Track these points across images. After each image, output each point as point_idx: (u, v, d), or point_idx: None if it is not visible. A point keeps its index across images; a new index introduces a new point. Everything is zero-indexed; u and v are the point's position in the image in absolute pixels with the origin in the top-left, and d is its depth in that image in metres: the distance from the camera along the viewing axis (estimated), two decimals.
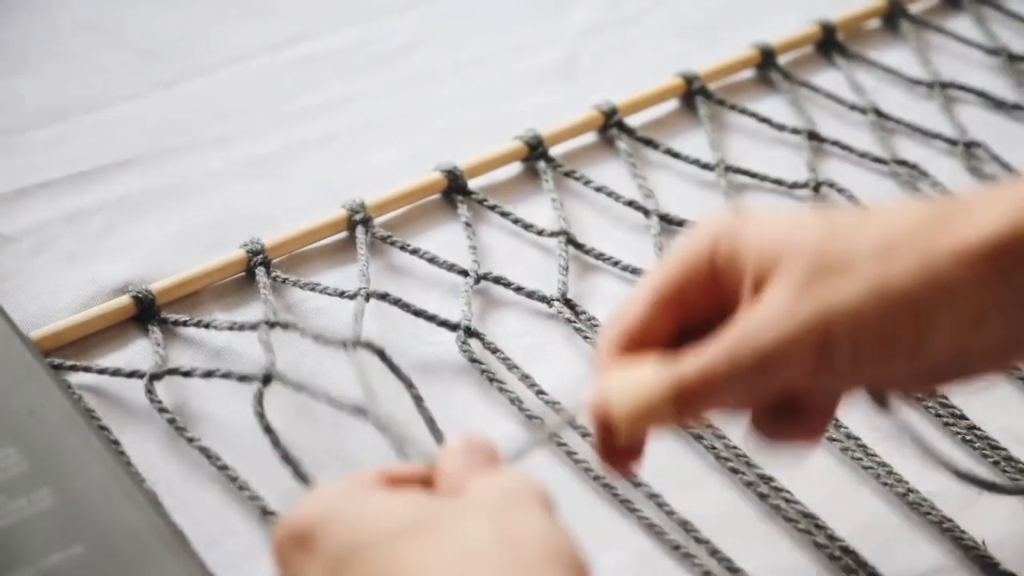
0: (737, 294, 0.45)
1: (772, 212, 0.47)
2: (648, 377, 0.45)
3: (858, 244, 0.43)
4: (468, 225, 0.64)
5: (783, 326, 0.43)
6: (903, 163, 0.69)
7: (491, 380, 0.57)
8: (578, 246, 0.63)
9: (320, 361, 0.58)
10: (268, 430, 0.53)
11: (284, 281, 0.61)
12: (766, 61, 0.73)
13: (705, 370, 0.44)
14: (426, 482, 0.43)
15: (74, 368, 0.56)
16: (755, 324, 0.44)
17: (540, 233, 0.64)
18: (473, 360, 0.58)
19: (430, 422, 0.54)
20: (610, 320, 0.47)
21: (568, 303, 0.61)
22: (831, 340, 0.43)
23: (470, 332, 0.59)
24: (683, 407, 0.45)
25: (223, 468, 0.53)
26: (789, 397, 0.46)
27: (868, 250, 0.43)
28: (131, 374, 0.56)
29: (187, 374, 0.56)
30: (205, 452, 0.54)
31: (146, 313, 0.59)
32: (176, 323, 0.59)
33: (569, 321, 0.60)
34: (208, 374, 0.56)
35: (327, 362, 0.58)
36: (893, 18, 0.76)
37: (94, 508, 0.48)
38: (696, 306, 0.47)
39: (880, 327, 0.43)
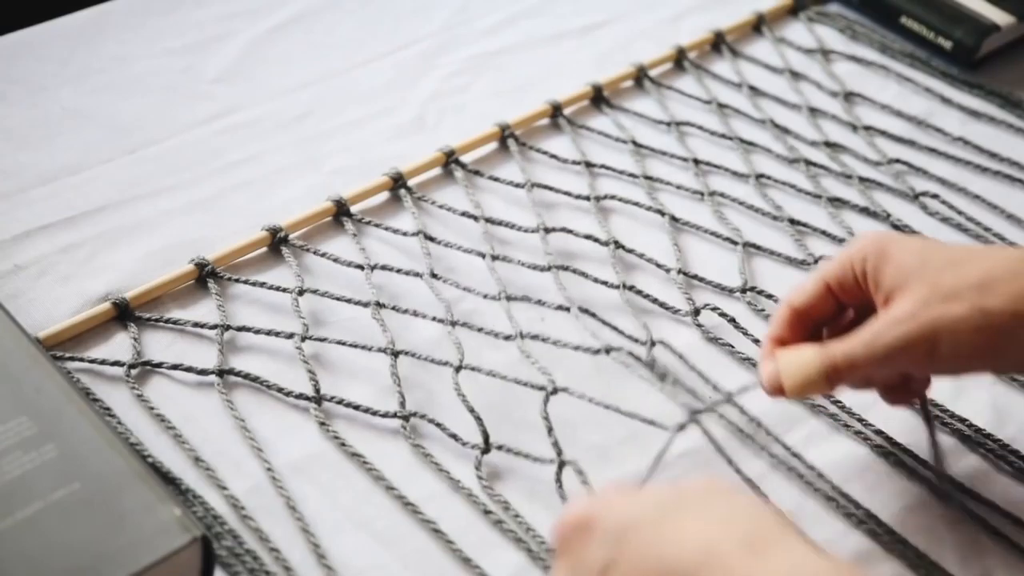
0: (871, 296, 0.47)
1: (908, 240, 0.48)
2: (809, 359, 0.47)
3: (966, 278, 0.44)
4: (354, 235, 0.63)
5: (906, 330, 0.44)
6: (649, 178, 0.70)
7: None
8: (430, 239, 0.64)
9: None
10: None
11: (235, 280, 0.59)
12: (556, 112, 0.73)
13: (850, 354, 0.46)
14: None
15: (72, 359, 0.55)
16: (885, 325, 0.45)
17: (405, 234, 0.64)
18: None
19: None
20: (782, 302, 0.49)
21: (435, 276, 0.61)
22: (938, 343, 0.44)
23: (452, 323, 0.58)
24: (832, 381, 0.47)
25: (191, 450, 0.52)
26: (902, 377, 0.49)
27: (973, 283, 0.44)
28: (113, 363, 0.55)
29: (157, 366, 0.55)
30: (176, 434, 0.53)
31: (123, 314, 0.57)
32: (149, 320, 0.58)
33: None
34: (174, 367, 0.55)
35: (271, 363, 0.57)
36: (640, 80, 0.77)
37: (87, 456, 0.47)
38: (844, 297, 0.48)
39: (974, 339, 0.44)
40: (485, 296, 0.60)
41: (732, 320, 0.60)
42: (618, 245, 0.64)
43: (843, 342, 0.46)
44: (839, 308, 0.50)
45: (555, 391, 0.54)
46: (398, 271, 0.61)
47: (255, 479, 0.52)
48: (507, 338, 0.57)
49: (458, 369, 0.55)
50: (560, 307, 0.60)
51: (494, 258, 0.62)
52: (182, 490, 0.50)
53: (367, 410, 0.55)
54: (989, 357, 0.46)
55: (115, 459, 0.47)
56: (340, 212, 0.64)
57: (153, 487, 0.47)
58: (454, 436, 0.53)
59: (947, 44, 0.80)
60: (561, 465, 0.52)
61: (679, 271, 0.63)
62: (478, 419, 0.53)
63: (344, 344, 0.57)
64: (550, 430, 0.52)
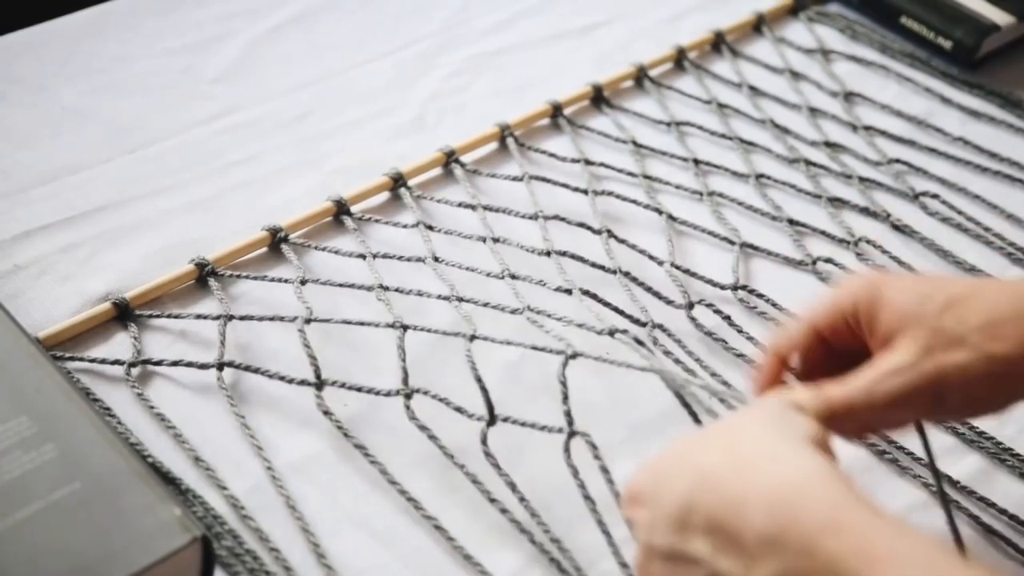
0: (865, 338, 0.43)
1: (903, 280, 0.44)
2: (803, 400, 0.42)
3: (968, 321, 0.41)
4: (356, 229, 0.63)
5: (908, 380, 0.41)
6: (648, 177, 0.70)
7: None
8: (430, 228, 0.64)
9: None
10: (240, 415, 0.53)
11: (236, 277, 0.59)
12: (556, 112, 0.73)
13: (848, 400, 0.42)
14: None
15: (72, 359, 0.55)
16: (887, 371, 0.42)
17: (406, 226, 0.64)
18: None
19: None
20: (771, 340, 0.45)
21: (437, 259, 0.61)
22: (944, 393, 0.41)
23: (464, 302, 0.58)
24: (827, 425, 0.42)
25: (191, 450, 0.52)
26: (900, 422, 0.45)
27: (977, 326, 0.41)
28: (114, 362, 0.55)
29: (157, 364, 0.55)
30: (177, 435, 0.53)
31: (123, 314, 0.58)
32: (149, 319, 0.58)
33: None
34: (174, 363, 0.55)
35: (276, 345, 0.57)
36: (640, 80, 0.77)
37: (87, 455, 0.47)
38: (835, 342, 0.45)
39: (982, 386, 0.41)
40: (488, 274, 0.60)
41: (727, 318, 0.60)
42: (611, 234, 0.64)
43: (840, 386, 0.42)
44: (828, 352, 0.45)
45: (574, 355, 0.52)
46: (399, 258, 0.61)
47: (255, 479, 0.52)
48: (514, 311, 0.57)
49: (471, 339, 0.55)
50: (560, 288, 0.60)
51: (495, 240, 0.63)
52: (182, 490, 0.50)
53: (370, 391, 0.54)
54: (999, 401, 0.43)
55: (115, 459, 0.47)
56: (340, 212, 0.64)
57: (153, 487, 0.47)
58: (459, 409, 0.53)
59: (947, 44, 0.80)
60: (571, 435, 0.51)
61: (672, 264, 0.63)
62: (483, 389, 0.53)
63: (350, 323, 0.57)
64: (565, 397, 0.51)
